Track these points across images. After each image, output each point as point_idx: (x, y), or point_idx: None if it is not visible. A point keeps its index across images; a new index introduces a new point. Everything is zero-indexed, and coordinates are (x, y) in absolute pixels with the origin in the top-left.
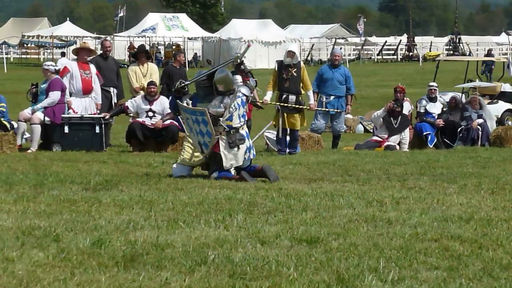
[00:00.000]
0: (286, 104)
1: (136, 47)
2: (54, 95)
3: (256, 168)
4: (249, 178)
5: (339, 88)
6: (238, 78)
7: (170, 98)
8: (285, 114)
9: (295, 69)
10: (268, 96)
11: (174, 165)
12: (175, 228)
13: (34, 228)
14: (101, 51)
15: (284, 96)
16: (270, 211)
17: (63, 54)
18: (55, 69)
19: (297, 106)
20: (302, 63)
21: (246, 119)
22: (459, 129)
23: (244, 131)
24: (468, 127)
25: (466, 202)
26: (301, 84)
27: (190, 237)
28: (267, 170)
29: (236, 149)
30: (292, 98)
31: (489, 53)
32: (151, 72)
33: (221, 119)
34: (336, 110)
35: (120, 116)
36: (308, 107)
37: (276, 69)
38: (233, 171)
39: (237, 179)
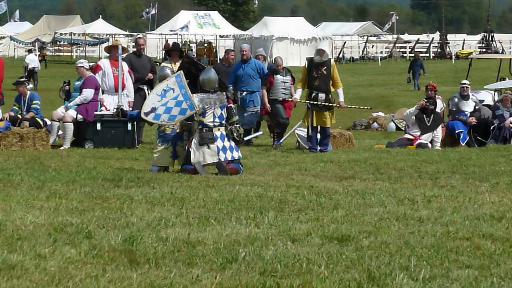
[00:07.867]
0: (316, 102)
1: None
2: (87, 93)
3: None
4: (201, 170)
5: (251, 82)
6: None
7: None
8: (315, 112)
9: (325, 67)
10: (298, 94)
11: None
12: (206, 226)
13: (66, 225)
14: (135, 49)
15: (314, 94)
16: (301, 209)
17: (29, 51)
18: (89, 66)
19: (327, 104)
20: (332, 60)
21: (223, 122)
22: (491, 127)
23: (219, 132)
24: (501, 126)
25: (498, 200)
26: (331, 82)
27: (221, 234)
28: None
29: (205, 147)
30: (322, 96)
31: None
32: None
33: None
34: (332, 104)
35: None
36: (338, 105)
37: (306, 67)
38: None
39: (191, 171)
